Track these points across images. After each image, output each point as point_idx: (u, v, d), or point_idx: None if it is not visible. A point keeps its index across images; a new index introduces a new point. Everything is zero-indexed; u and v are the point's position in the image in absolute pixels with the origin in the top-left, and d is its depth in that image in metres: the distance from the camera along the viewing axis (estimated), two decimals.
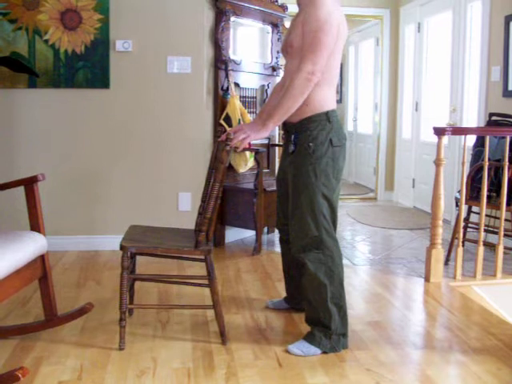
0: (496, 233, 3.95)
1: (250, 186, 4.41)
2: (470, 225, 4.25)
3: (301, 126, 2.59)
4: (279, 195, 2.93)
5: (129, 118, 4.29)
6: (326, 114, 2.58)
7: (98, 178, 4.31)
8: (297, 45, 2.55)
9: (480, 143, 4.18)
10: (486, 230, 4.14)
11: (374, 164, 7.41)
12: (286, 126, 2.71)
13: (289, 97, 2.50)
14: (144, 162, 4.33)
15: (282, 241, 3.01)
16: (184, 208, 4.38)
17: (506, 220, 3.78)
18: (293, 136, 2.63)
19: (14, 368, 2.20)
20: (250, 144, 2.74)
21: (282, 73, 5.42)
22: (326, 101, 2.59)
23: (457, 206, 4.15)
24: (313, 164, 2.55)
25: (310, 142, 2.56)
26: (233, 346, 2.66)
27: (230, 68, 4.42)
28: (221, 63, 4.39)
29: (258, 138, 2.65)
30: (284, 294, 3.19)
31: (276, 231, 5.05)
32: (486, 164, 3.64)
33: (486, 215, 4.00)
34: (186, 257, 2.90)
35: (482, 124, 4.89)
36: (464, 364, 2.51)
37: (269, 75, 4.89)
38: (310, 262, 2.58)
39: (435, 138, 3.65)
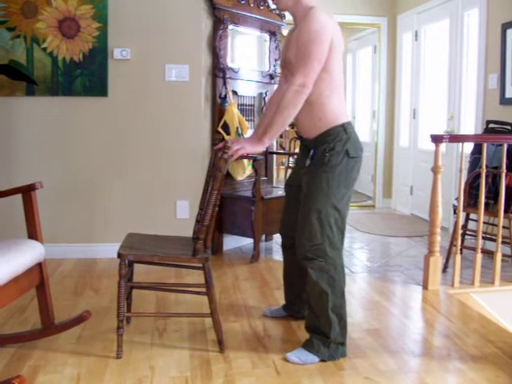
0: (494, 240, 3.95)
1: (248, 193, 4.41)
2: (467, 232, 4.25)
3: (320, 140, 2.61)
4: (288, 201, 2.94)
5: (127, 125, 4.29)
6: (342, 125, 2.60)
7: (96, 185, 4.31)
8: (295, 61, 2.55)
9: (477, 150, 4.19)
10: (483, 238, 4.14)
11: (372, 171, 7.42)
12: (305, 142, 2.73)
13: (282, 111, 2.51)
14: (142, 170, 4.33)
15: (284, 247, 3.01)
16: (182, 216, 4.38)
17: (503, 227, 3.78)
18: (312, 151, 2.64)
19: (11, 377, 2.19)
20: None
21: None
22: (338, 113, 2.61)
23: (455, 213, 4.15)
24: (326, 172, 2.56)
25: (326, 153, 2.57)
26: (231, 354, 2.65)
27: (227, 76, 4.43)
28: (219, 71, 4.40)
29: (253, 152, 2.66)
30: (282, 302, 3.19)
31: (274, 239, 5.05)
32: (484, 171, 3.65)
33: (484, 222, 4.00)
34: (184, 265, 2.89)
35: (480, 131, 4.90)
36: (462, 372, 2.51)
37: (267, 83, 4.90)
38: (312, 270, 2.58)
39: (433, 146, 3.66)
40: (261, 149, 2.63)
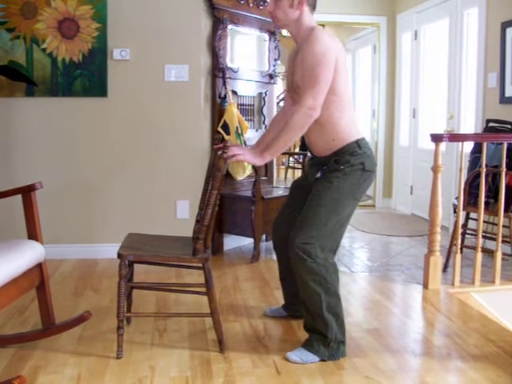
0: (494, 239, 3.95)
1: (248, 193, 4.40)
2: (468, 231, 4.25)
3: (335, 156, 2.62)
4: (289, 201, 2.94)
5: (126, 126, 4.29)
6: (356, 142, 2.61)
7: (96, 185, 4.31)
8: (302, 84, 2.55)
9: (477, 149, 4.19)
10: (484, 237, 4.14)
11: None
12: (318, 160, 2.72)
13: (288, 131, 2.52)
14: (142, 170, 4.33)
15: (277, 248, 3.00)
16: (182, 216, 4.38)
17: (503, 226, 3.78)
18: (325, 166, 2.65)
19: (12, 377, 2.19)
20: None
21: (279, 81, 5.44)
22: (350, 131, 2.61)
23: (455, 212, 4.15)
24: (339, 178, 2.58)
25: (341, 165, 2.59)
26: (231, 354, 2.65)
27: (227, 76, 4.42)
28: (218, 71, 4.40)
29: (251, 162, 2.69)
30: (282, 302, 3.18)
31: None
32: (484, 170, 3.65)
33: (484, 221, 4.00)
34: (184, 265, 2.89)
35: (479, 130, 4.90)
36: (463, 371, 2.51)
37: (266, 83, 4.90)
38: (303, 272, 2.58)
39: (433, 145, 3.66)
40: (260, 163, 2.65)
